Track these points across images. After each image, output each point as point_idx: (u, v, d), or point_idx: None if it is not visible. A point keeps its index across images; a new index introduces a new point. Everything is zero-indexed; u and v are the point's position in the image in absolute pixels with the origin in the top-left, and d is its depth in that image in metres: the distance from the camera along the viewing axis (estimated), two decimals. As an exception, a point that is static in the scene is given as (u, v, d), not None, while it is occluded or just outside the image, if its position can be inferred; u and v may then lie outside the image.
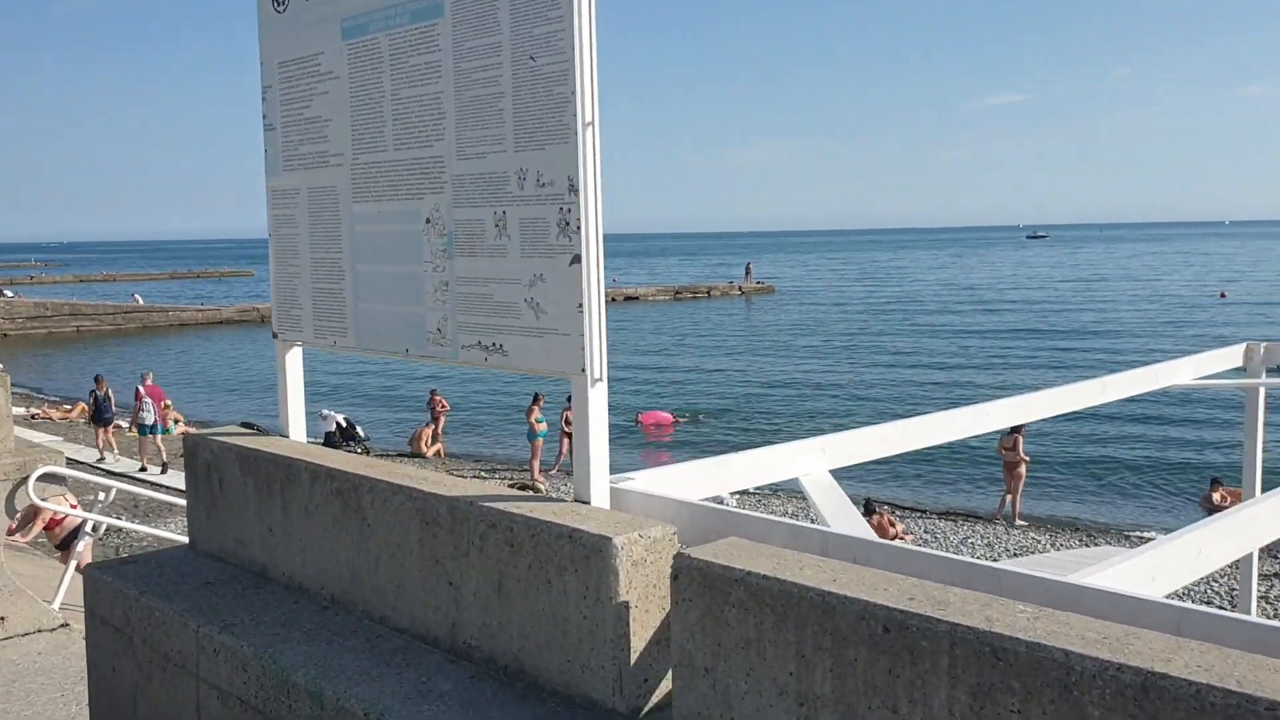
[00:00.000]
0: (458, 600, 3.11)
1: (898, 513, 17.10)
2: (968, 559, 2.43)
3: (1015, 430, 18.51)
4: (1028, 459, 17.70)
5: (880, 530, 14.24)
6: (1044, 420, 5.15)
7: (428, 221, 3.46)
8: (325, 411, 23.88)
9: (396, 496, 3.33)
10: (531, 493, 13.53)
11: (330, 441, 23.33)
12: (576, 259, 3.00)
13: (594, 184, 2.99)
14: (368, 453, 23.45)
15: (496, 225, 3.22)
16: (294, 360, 4.17)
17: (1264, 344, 6.54)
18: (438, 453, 25.28)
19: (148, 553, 4.37)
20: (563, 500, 3.05)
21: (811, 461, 3.98)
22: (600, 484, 3.06)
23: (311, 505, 3.69)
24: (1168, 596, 2.64)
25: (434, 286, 3.45)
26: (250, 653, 3.27)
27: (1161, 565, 2.78)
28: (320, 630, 3.41)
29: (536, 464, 21.30)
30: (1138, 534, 16.80)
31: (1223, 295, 66.35)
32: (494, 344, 3.26)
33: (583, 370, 3.02)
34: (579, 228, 2.99)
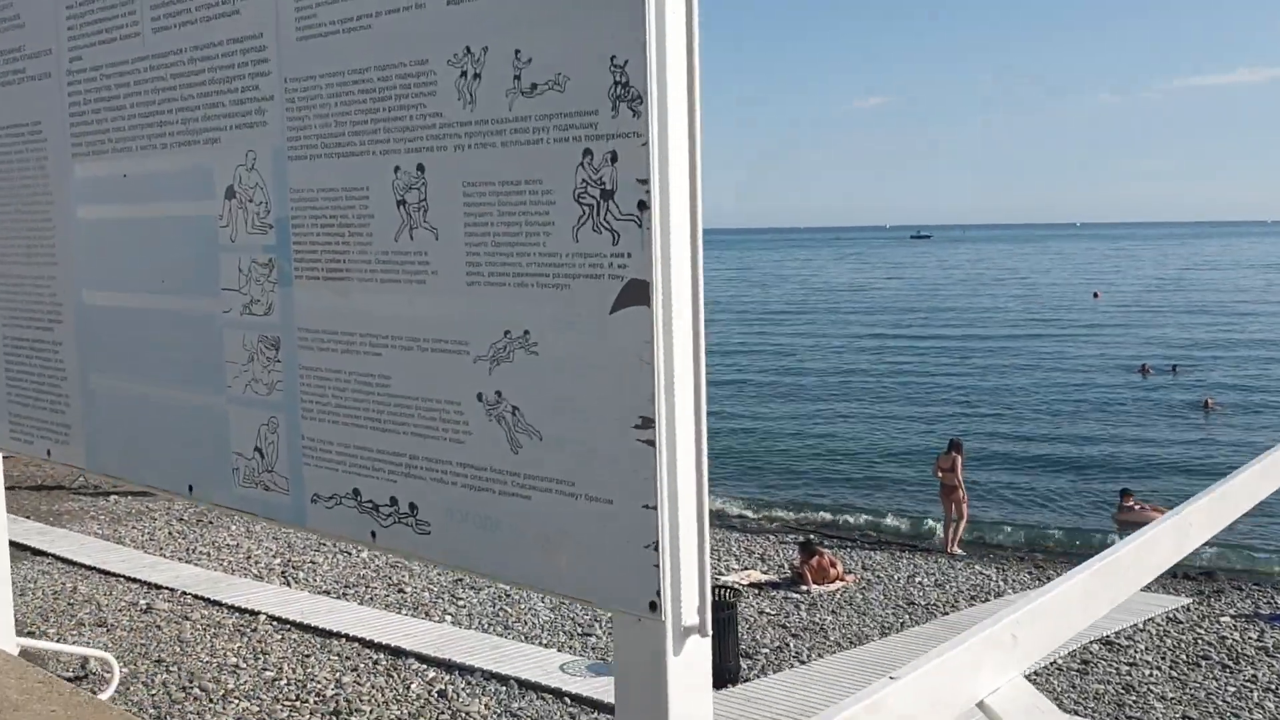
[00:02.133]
0: None
1: (825, 542, 15.51)
2: None
3: (954, 448, 17.08)
4: (962, 484, 16.32)
5: (821, 572, 12.51)
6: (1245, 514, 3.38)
7: (230, 195, 1.47)
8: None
9: None
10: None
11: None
12: (638, 289, 1.07)
13: (687, 82, 1.07)
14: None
15: (401, 202, 1.26)
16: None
17: None
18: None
19: None
20: None
21: (999, 664, 2.13)
22: None
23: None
24: None
25: (246, 348, 1.47)
26: None
27: None
28: None
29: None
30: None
31: (1096, 296, 67.56)
32: (395, 503, 1.30)
33: (652, 605, 1.08)
34: (644, 205, 1.06)
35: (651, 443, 1.06)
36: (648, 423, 1.06)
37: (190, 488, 1.57)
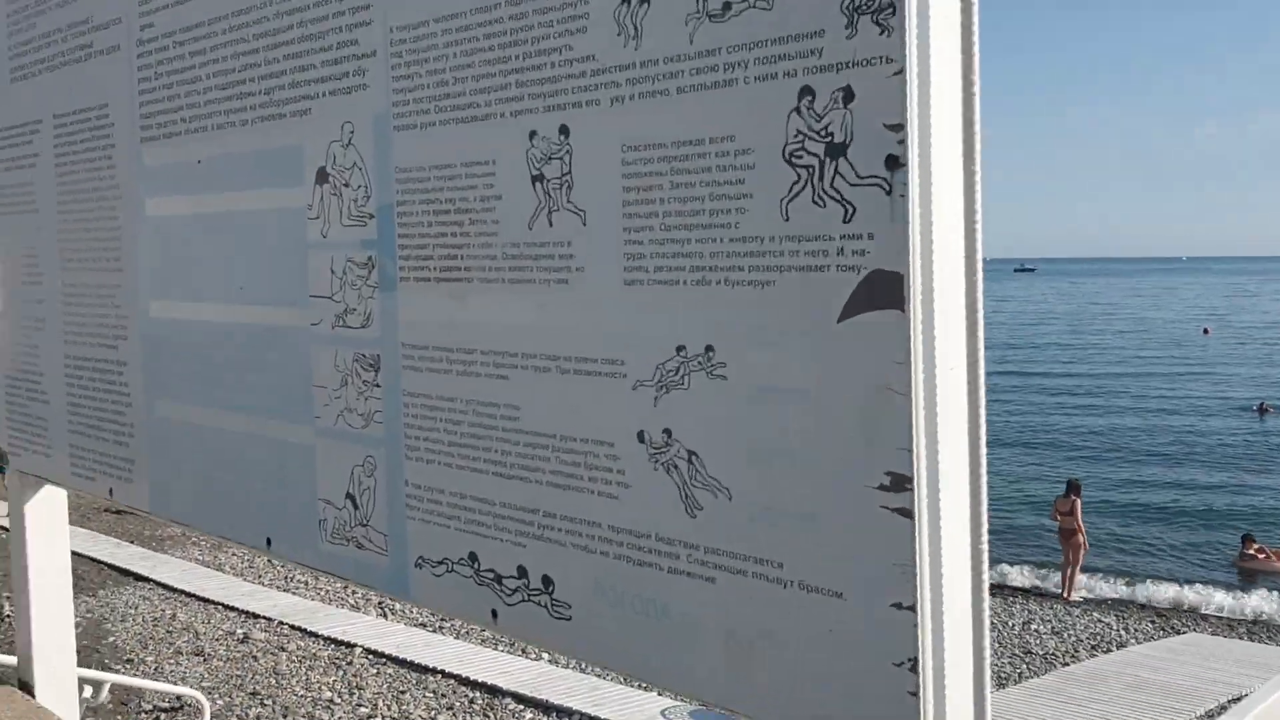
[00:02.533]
0: None
1: (932, 585, 14.94)
2: None
3: (1072, 490, 16.39)
4: (1084, 529, 15.59)
5: (931, 618, 11.95)
6: None
7: (322, 179, 1.18)
8: None
9: None
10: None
11: None
12: (885, 286, 0.72)
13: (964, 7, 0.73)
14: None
15: (538, 177, 0.95)
16: (45, 516, 1.86)
17: None
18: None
19: None
20: None
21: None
22: None
23: None
24: None
25: (339, 369, 1.18)
26: None
27: None
28: None
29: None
30: (1212, 612, 14.72)
31: (1206, 332, 65.17)
32: (523, 575, 0.98)
33: (907, 745, 0.73)
34: (896, 162, 0.72)
35: (907, 512, 0.72)
36: (901, 482, 0.73)
37: (268, 541, 1.28)
